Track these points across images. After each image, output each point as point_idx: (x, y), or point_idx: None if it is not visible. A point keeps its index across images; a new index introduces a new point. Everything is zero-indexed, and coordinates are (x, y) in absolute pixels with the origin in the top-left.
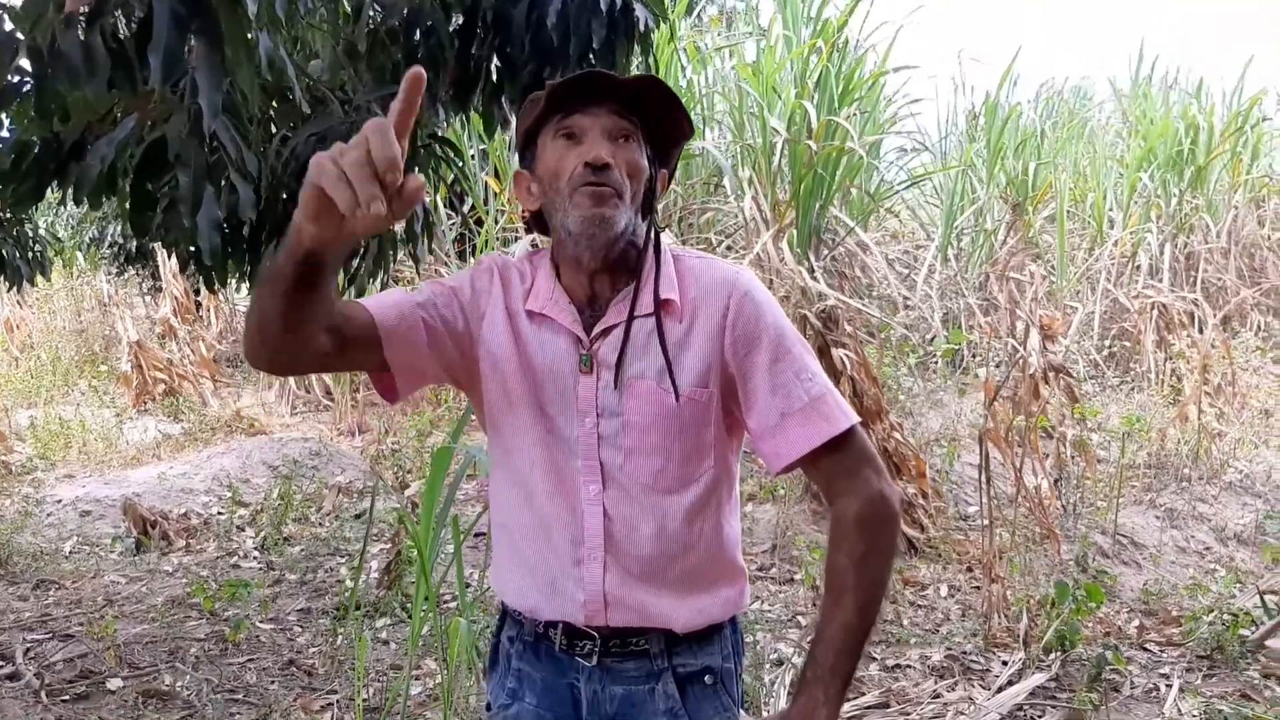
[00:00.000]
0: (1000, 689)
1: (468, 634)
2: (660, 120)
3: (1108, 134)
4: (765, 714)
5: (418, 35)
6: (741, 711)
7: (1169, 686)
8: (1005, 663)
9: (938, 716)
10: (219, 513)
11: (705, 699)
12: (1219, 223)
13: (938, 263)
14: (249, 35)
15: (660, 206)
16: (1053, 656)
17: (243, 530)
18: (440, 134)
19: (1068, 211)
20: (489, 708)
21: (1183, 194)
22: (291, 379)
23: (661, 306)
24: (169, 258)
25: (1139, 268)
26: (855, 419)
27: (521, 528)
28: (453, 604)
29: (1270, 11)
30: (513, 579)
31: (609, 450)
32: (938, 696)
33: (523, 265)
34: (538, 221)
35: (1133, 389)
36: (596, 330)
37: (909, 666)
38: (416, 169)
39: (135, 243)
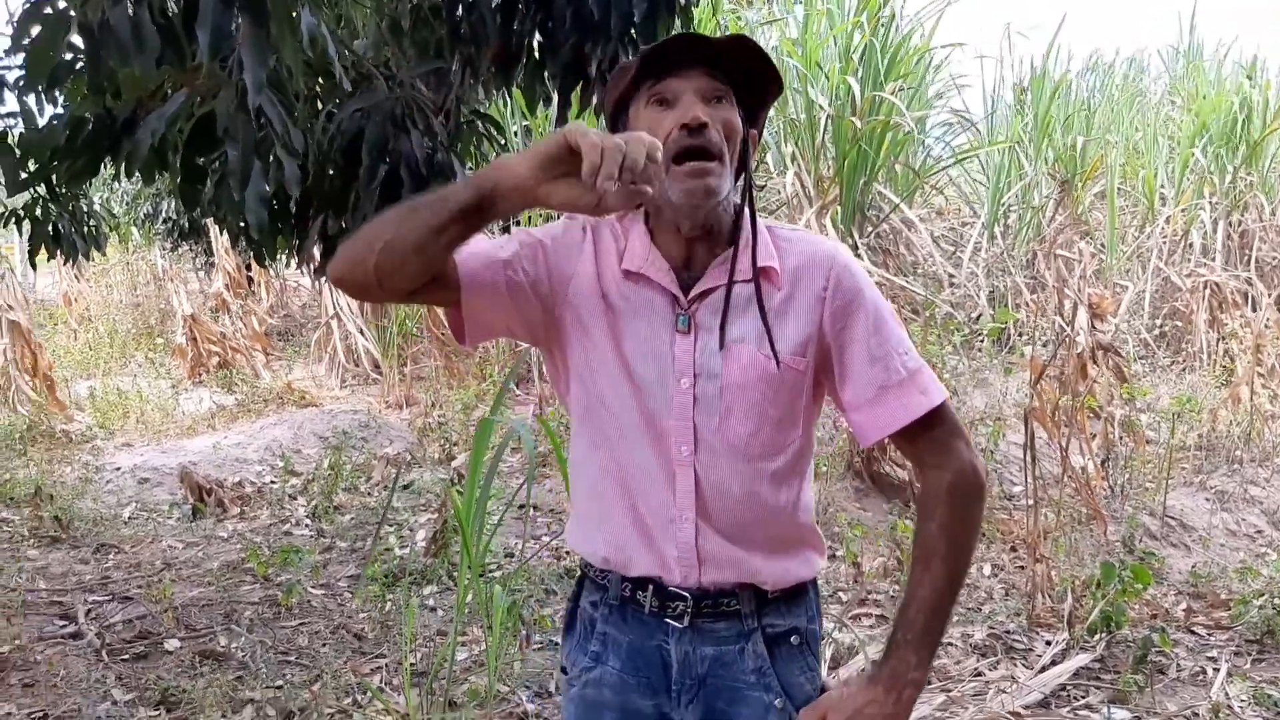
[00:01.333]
0: (1043, 669)
1: (506, 602)
2: (749, 80)
3: (1160, 108)
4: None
5: (460, 11)
6: (823, 671)
7: (1216, 670)
8: (1049, 643)
9: (979, 694)
10: (272, 481)
11: (792, 659)
12: (1274, 200)
13: (984, 240)
14: (293, 12)
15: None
16: (1097, 638)
17: (294, 499)
18: (483, 110)
19: (1118, 188)
20: (564, 671)
21: (1236, 170)
22: (341, 354)
23: (761, 273)
24: (220, 233)
25: (1191, 246)
26: (946, 393)
27: (611, 483)
28: (497, 573)
29: None
30: (602, 533)
31: (704, 413)
32: (979, 674)
33: (614, 226)
34: None
35: (1184, 369)
36: (695, 292)
37: (950, 644)
38: (459, 145)
39: (188, 218)
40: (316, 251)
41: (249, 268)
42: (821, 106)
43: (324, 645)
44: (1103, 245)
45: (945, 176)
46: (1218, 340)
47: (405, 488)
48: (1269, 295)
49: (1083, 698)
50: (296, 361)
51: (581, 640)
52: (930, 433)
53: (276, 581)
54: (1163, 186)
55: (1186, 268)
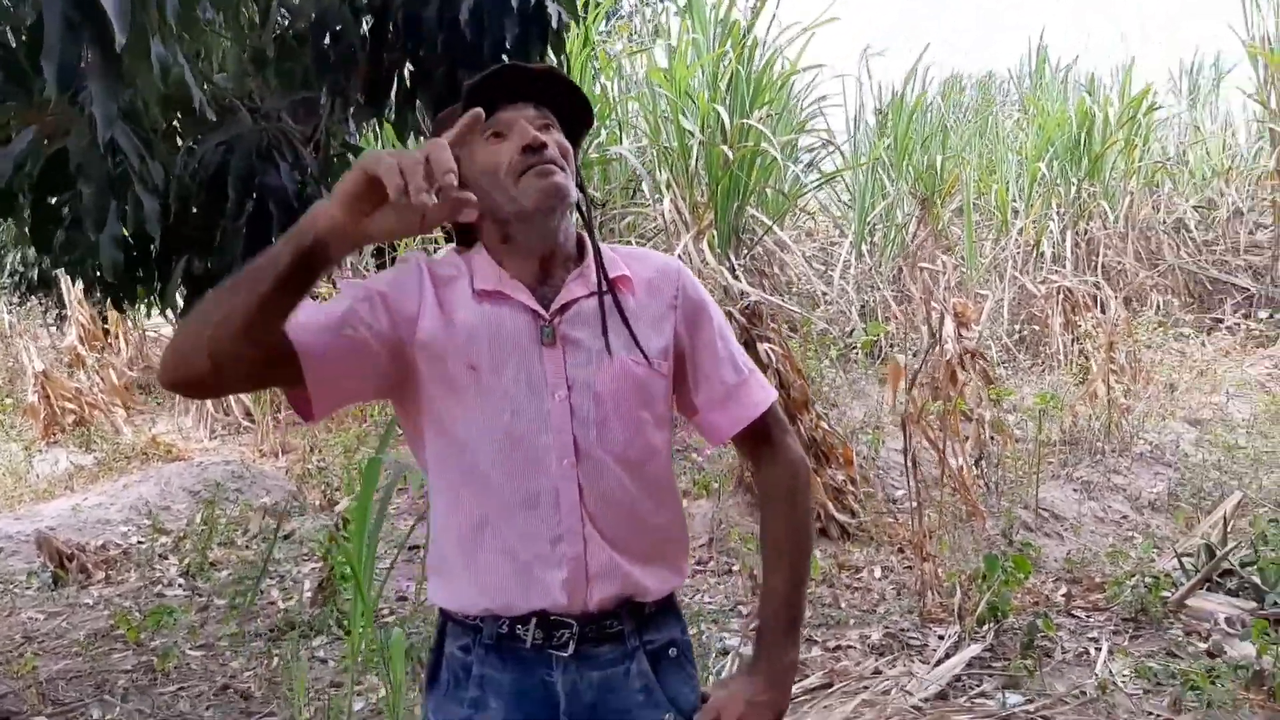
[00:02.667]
0: (938, 662)
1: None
2: (566, 107)
3: (1008, 126)
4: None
5: (327, 39)
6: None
7: (1098, 649)
8: (942, 637)
9: (884, 692)
10: (139, 542)
11: (672, 671)
12: (1116, 208)
13: (852, 258)
14: (145, 43)
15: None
16: (986, 628)
17: (165, 558)
18: (353, 143)
19: (974, 203)
20: None
21: (1080, 182)
22: (210, 403)
23: (618, 282)
24: (74, 282)
25: (1043, 255)
26: (775, 392)
27: (483, 524)
28: (390, 618)
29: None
30: (474, 584)
31: (581, 423)
32: (879, 673)
33: (452, 259)
34: (461, 234)
35: (1043, 370)
36: (556, 305)
37: (849, 646)
38: (329, 179)
39: (37, 271)
40: (179, 297)
41: (105, 319)
42: (692, 134)
43: (208, 708)
44: (962, 258)
45: (814, 198)
46: (1073, 341)
47: (286, 538)
48: (1116, 297)
49: (978, 686)
50: (161, 415)
51: (452, 690)
52: (768, 429)
53: (150, 647)
54: (1014, 200)
55: (1040, 275)
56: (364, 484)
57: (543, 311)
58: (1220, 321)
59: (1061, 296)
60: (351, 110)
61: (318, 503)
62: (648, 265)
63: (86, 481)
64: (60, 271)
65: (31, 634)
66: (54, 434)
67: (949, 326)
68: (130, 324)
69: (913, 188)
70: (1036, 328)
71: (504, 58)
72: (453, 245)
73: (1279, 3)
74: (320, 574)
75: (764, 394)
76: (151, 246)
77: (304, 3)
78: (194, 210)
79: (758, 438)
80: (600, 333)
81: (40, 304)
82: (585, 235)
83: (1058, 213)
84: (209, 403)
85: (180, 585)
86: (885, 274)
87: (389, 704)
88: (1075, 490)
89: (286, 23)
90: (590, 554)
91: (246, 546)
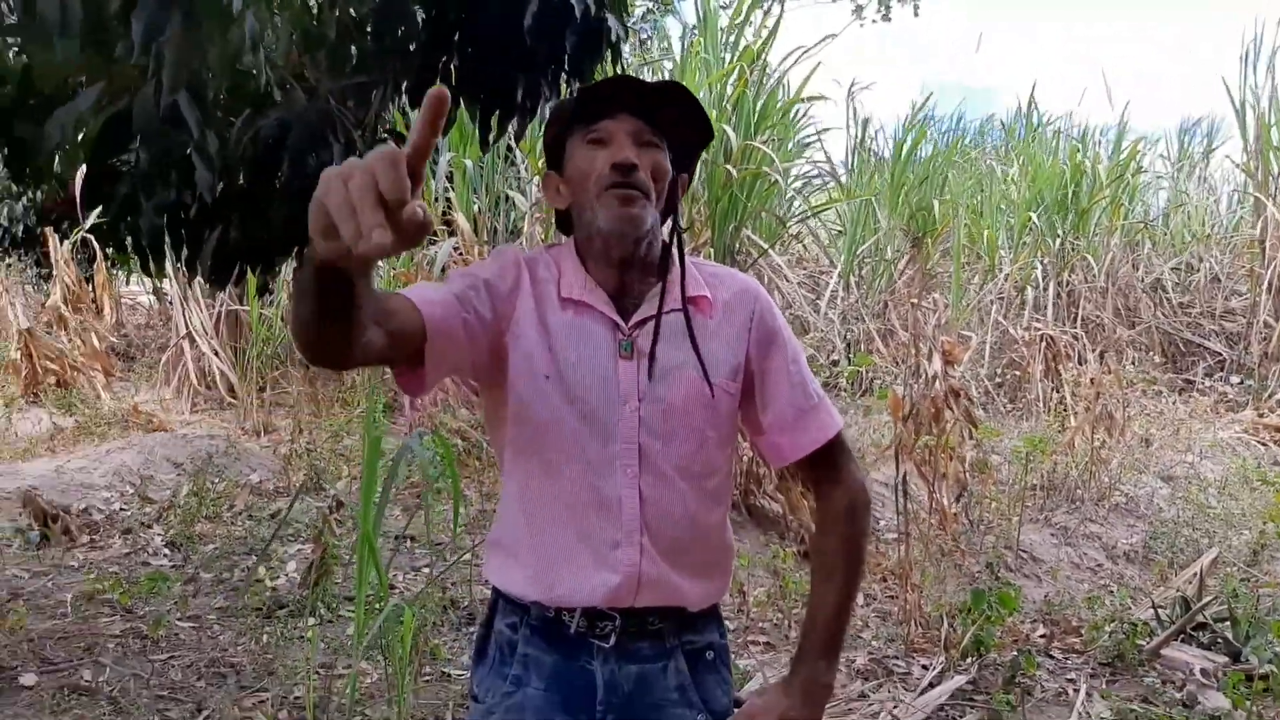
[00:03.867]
0: (923, 690)
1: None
2: (680, 125)
3: (1000, 175)
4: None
5: (391, 27)
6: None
7: (1076, 691)
8: (925, 666)
9: (872, 716)
10: (122, 509)
11: (708, 673)
12: (1100, 262)
13: (840, 289)
14: (231, 13)
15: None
16: (969, 661)
17: (149, 527)
18: (396, 129)
19: (964, 246)
20: (476, 699)
21: (1066, 235)
22: (193, 376)
23: (694, 302)
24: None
25: (1025, 302)
26: (843, 421)
27: (549, 516)
28: (378, 605)
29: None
30: (531, 569)
31: (648, 434)
32: (864, 697)
33: (545, 257)
34: (562, 220)
35: (1021, 416)
36: (635, 319)
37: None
38: None
39: (22, 227)
40: (201, 266)
41: (89, 280)
42: None
43: (199, 679)
44: (948, 298)
45: (804, 226)
46: (1053, 389)
47: (272, 517)
48: (1094, 350)
49: (960, 717)
50: (140, 384)
51: (498, 665)
52: (832, 454)
53: (139, 614)
54: (1002, 246)
55: (1022, 321)
56: (367, 463)
57: (623, 325)
58: (1192, 383)
59: (1044, 344)
60: (400, 99)
61: (303, 484)
62: (727, 286)
63: (67, 444)
64: (49, 229)
65: (18, 591)
66: (34, 393)
67: (936, 364)
68: (114, 288)
69: (905, 225)
70: (1017, 373)
71: (562, 67)
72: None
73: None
74: (313, 556)
75: (831, 421)
76: (189, 214)
77: None
78: (239, 183)
79: (822, 463)
80: (675, 349)
81: (21, 261)
82: (674, 249)
83: (1042, 262)
84: (192, 376)
85: (165, 555)
86: (871, 308)
87: (399, 683)
88: (1053, 535)
89: (352, 7)
90: (644, 563)
91: (232, 522)
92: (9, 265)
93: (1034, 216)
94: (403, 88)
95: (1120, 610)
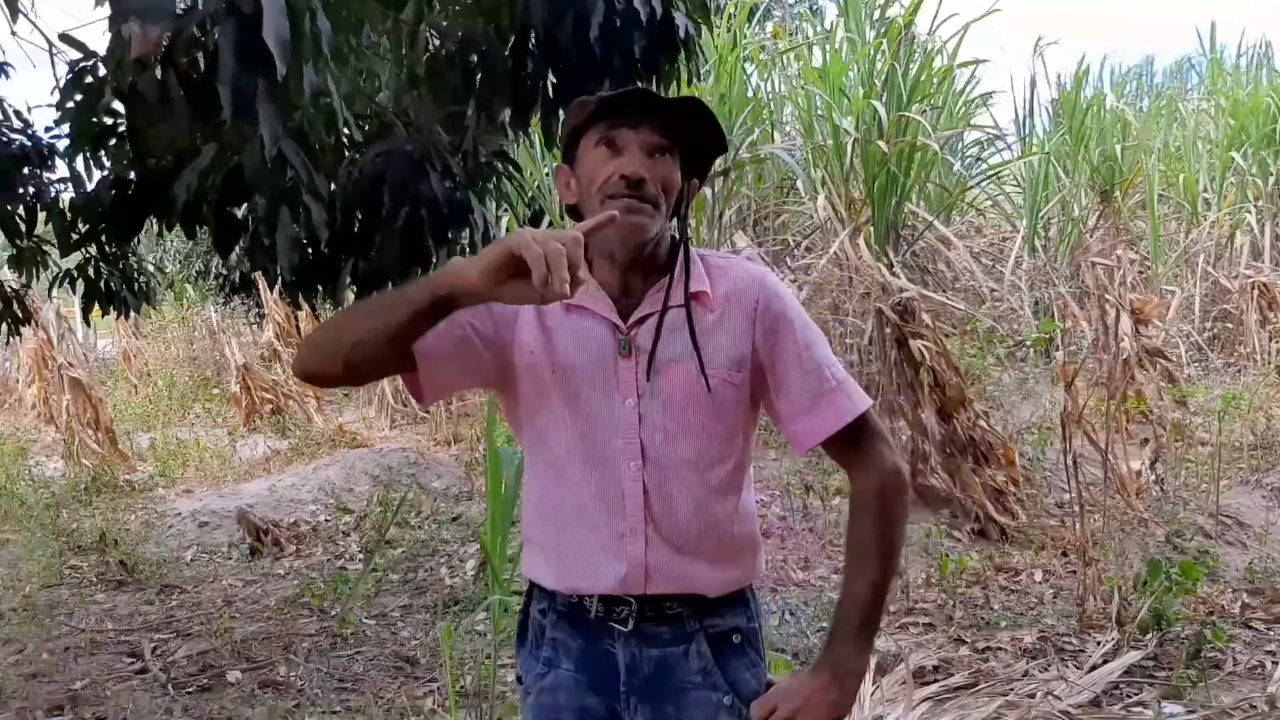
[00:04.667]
0: (1093, 668)
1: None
2: (697, 135)
3: (1197, 113)
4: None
5: (474, 59)
6: (766, 666)
7: (1276, 664)
8: (1100, 644)
9: (1029, 695)
10: (325, 520)
11: (735, 656)
12: None
13: (1025, 254)
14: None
15: (694, 210)
16: (1149, 636)
17: (348, 535)
18: (504, 151)
19: (1160, 195)
20: (520, 681)
21: None
22: (390, 395)
23: (694, 298)
24: (269, 285)
25: (1239, 249)
26: (870, 401)
27: (559, 511)
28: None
29: None
30: (552, 564)
31: (649, 429)
32: (1028, 675)
33: None
34: (573, 214)
35: (1238, 371)
36: (633, 318)
37: (1000, 649)
38: (477, 184)
39: (240, 273)
40: (350, 293)
41: (297, 317)
42: (847, 131)
43: (379, 671)
44: (1148, 252)
45: (983, 193)
46: (1270, 340)
47: (454, 520)
48: None
49: (1135, 695)
50: (347, 405)
51: (533, 649)
52: (858, 438)
53: (332, 614)
54: (1205, 191)
55: (1235, 270)
56: (490, 471)
57: (621, 325)
58: None
59: (1257, 292)
60: (499, 122)
61: (483, 488)
62: (729, 278)
63: (281, 464)
64: (258, 275)
65: (231, 598)
66: (254, 421)
67: (1125, 324)
68: (318, 321)
69: (1091, 180)
70: (1230, 325)
71: (637, 68)
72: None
73: None
74: (481, 555)
75: (850, 404)
76: (323, 248)
77: (450, 26)
78: (357, 217)
79: (848, 445)
80: (672, 346)
81: (243, 304)
82: (679, 246)
83: (1255, 205)
84: (389, 395)
85: (359, 560)
86: (1061, 271)
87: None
88: (1264, 497)
89: (438, 44)
90: (650, 552)
91: (418, 527)
92: (232, 309)
93: (1236, 156)
94: (500, 113)
95: None
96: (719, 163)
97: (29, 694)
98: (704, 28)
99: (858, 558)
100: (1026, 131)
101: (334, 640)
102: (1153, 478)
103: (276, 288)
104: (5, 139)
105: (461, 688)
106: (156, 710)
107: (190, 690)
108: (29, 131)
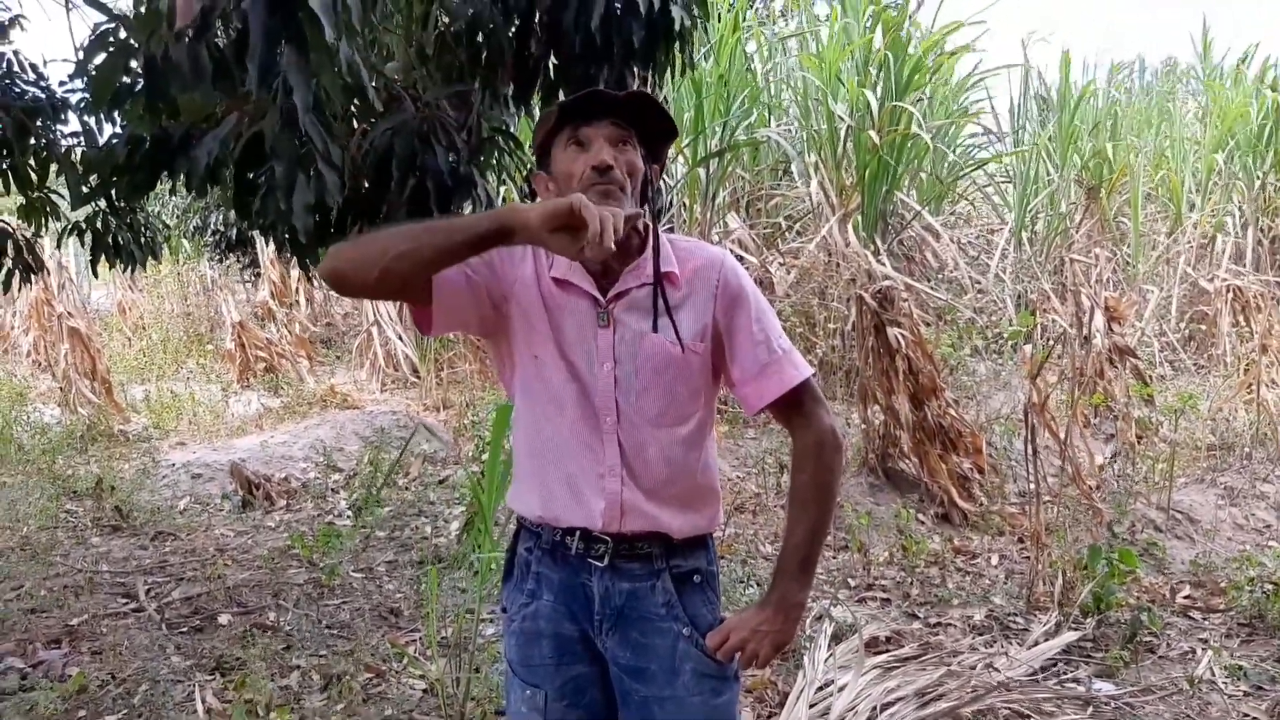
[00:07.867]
0: (1035, 645)
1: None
2: (653, 123)
3: (1185, 115)
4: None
5: (480, 37)
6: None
7: (1206, 650)
8: (1044, 624)
9: (971, 667)
10: (315, 477)
11: (695, 593)
12: None
13: (1011, 247)
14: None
15: (662, 193)
16: (1090, 619)
17: (336, 493)
18: (506, 128)
19: (1146, 194)
20: (504, 610)
21: (1265, 176)
22: (382, 360)
23: (665, 277)
24: (267, 243)
25: (1220, 251)
26: (811, 370)
27: (549, 449)
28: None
29: None
30: (538, 494)
31: (623, 391)
32: (973, 649)
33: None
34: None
35: (1208, 372)
36: (612, 293)
37: (950, 625)
38: (481, 158)
39: (236, 230)
40: None
41: (296, 276)
42: (841, 118)
43: (363, 620)
44: (1129, 250)
45: (972, 184)
46: (1241, 343)
47: (441, 483)
48: None
49: (1071, 672)
50: (339, 367)
51: (519, 582)
52: (800, 402)
53: (320, 565)
54: (1191, 193)
55: (1216, 272)
56: (494, 429)
57: (601, 299)
58: None
59: (1231, 295)
60: (501, 99)
61: (470, 453)
62: (695, 258)
63: (273, 422)
64: (256, 233)
65: (223, 547)
66: (247, 378)
67: (1099, 320)
68: (313, 284)
69: (1079, 176)
70: (1204, 327)
71: (634, 57)
72: None
73: None
74: (466, 515)
75: (794, 372)
76: (332, 215)
77: (459, 6)
78: (365, 185)
79: (791, 408)
80: (645, 318)
81: (238, 261)
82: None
83: (1238, 208)
84: (381, 359)
85: (348, 517)
86: (1045, 265)
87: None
88: (1218, 495)
89: (445, 22)
90: (625, 491)
91: (406, 488)
92: (227, 265)
93: (1219, 159)
94: (503, 91)
95: (1275, 570)
96: (714, 144)
97: (28, 627)
98: (697, 20)
99: (798, 506)
100: (1019, 124)
101: (322, 590)
102: (1113, 471)
103: (272, 248)
104: (19, 91)
105: (443, 638)
106: (151, 647)
107: (183, 630)
108: (43, 84)
